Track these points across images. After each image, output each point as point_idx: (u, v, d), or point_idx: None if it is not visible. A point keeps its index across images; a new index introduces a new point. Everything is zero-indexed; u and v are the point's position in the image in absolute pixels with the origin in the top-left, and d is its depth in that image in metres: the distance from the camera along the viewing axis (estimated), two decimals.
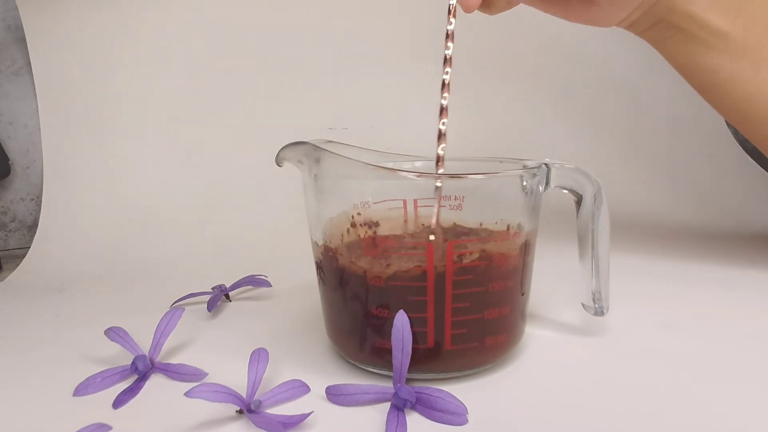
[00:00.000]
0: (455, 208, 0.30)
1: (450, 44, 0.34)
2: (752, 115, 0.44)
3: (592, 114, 0.74)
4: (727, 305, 0.39)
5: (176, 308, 0.34)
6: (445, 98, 0.33)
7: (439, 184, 0.30)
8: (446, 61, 0.34)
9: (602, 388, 0.29)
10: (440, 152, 0.32)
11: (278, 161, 0.31)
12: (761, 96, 0.43)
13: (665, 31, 0.43)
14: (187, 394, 0.25)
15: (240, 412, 0.27)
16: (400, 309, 0.27)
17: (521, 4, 0.42)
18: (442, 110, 0.32)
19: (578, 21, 0.44)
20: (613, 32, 0.46)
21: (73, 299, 0.47)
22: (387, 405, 0.27)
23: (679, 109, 0.72)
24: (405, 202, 0.32)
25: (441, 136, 0.32)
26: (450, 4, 0.35)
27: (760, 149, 0.47)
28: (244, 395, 0.27)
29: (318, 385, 0.29)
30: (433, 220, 0.29)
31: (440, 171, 0.31)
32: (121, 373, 0.31)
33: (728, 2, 0.41)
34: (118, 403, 0.29)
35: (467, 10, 0.37)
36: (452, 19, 0.35)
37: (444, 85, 0.33)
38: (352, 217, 0.30)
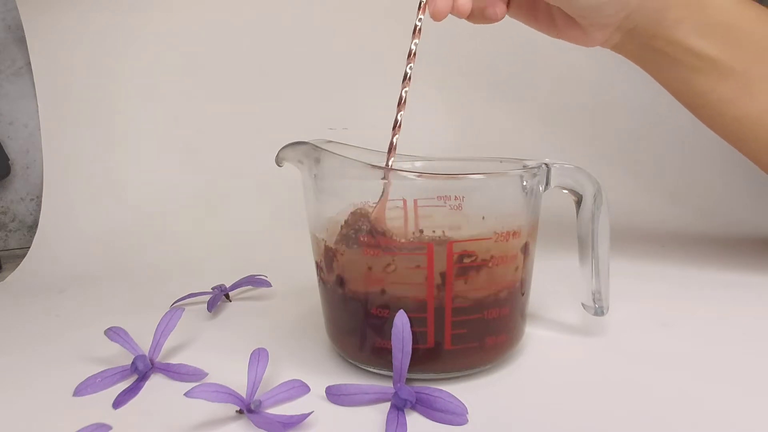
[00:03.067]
0: (455, 208, 0.30)
1: (416, 40, 0.35)
2: (744, 134, 0.44)
3: (592, 120, 0.74)
4: (727, 306, 0.39)
5: (176, 308, 0.34)
6: (405, 91, 0.33)
7: (384, 180, 0.30)
8: (410, 55, 0.34)
9: (602, 388, 0.29)
10: (394, 140, 0.32)
11: (278, 161, 0.31)
12: (752, 117, 0.42)
13: (650, 54, 0.43)
14: (187, 394, 0.25)
15: (240, 412, 0.27)
16: (400, 309, 0.27)
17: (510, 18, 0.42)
18: (401, 102, 0.33)
19: (561, 38, 0.44)
20: None
21: (73, 299, 0.47)
22: (387, 405, 0.27)
23: (678, 112, 0.72)
24: (405, 201, 0.32)
25: (397, 126, 0.33)
26: (420, 1, 0.35)
27: (757, 165, 0.47)
28: (244, 395, 0.27)
29: (318, 385, 0.29)
30: (373, 215, 0.29)
31: (391, 160, 0.32)
32: (121, 373, 0.31)
33: (712, 27, 0.40)
34: (118, 403, 0.29)
35: (436, 18, 0.37)
36: (421, 16, 0.35)
37: (405, 78, 0.34)
38: (352, 217, 0.30)
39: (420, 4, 0.35)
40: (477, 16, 0.40)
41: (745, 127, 0.43)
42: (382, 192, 0.29)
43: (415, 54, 0.34)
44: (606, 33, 0.42)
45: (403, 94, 0.33)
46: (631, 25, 0.41)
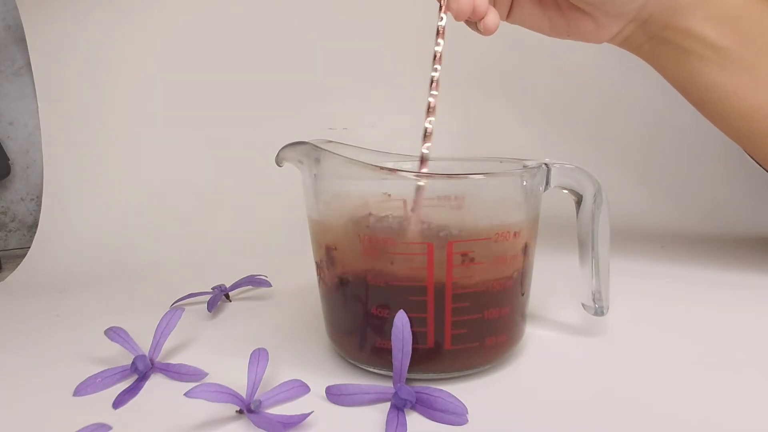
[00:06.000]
0: (455, 208, 0.30)
1: (441, 41, 0.33)
2: (750, 130, 0.44)
3: (594, 119, 0.74)
4: (728, 306, 0.39)
5: (176, 308, 0.34)
6: (433, 96, 0.32)
7: (421, 183, 0.29)
8: (436, 58, 0.33)
9: (602, 388, 0.29)
10: (425, 151, 0.32)
11: (278, 161, 0.31)
12: (759, 111, 0.42)
13: (660, 46, 0.43)
14: (187, 394, 0.25)
15: (240, 412, 0.27)
16: (400, 309, 0.27)
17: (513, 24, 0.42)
18: (430, 108, 0.32)
19: (569, 37, 0.43)
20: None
21: (73, 299, 0.47)
22: (387, 405, 0.27)
23: (678, 112, 0.72)
24: (405, 202, 0.31)
25: (427, 135, 0.32)
26: (440, 1, 0.34)
27: (761, 162, 0.47)
28: (244, 395, 0.27)
29: (318, 385, 0.29)
30: (411, 224, 0.29)
31: (423, 170, 0.31)
32: (121, 373, 0.31)
33: (723, 16, 0.41)
34: (118, 403, 0.29)
35: (457, 18, 0.36)
36: (443, 15, 0.34)
37: (432, 82, 0.33)
38: (352, 217, 0.30)
39: (441, 4, 0.34)
40: (470, 23, 0.39)
41: (752, 122, 0.43)
42: (414, 202, 0.29)
43: (441, 57, 0.33)
44: (619, 25, 0.42)
45: (431, 101, 0.32)
46: (646, 15, 0.41)
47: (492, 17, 0.38)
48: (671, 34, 0.41)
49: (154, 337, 0.32)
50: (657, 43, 0.43)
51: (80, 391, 0.30)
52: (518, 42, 0.70)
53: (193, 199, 0.64)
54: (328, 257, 0.30)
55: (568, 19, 0.42)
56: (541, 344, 0.34)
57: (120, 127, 0.66)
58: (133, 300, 0.45)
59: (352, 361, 0.31)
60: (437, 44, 0.33)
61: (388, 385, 0.28)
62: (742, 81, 0.42)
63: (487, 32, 0.38)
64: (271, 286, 0.45)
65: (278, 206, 0.58)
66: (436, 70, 0.33)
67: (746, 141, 0.46)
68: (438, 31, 0.34)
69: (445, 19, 0.34)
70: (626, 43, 0.44)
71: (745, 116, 0.43)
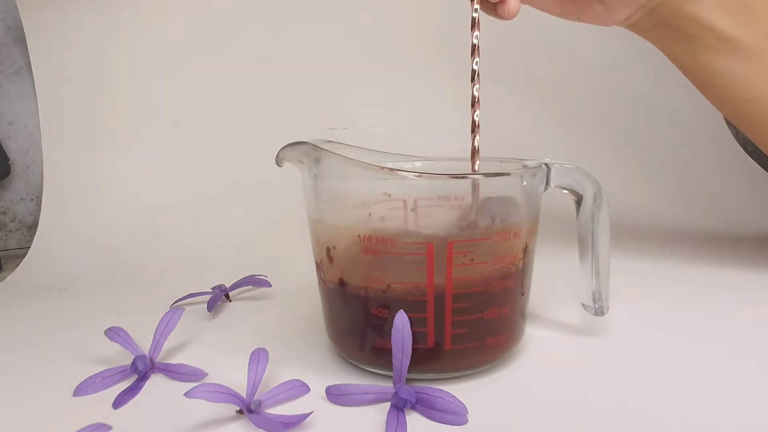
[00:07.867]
0: (455, 208, 0.30)
1: (477, 33, 0.34)
2: (756, 117, 0.44)
3: (594, 118, 0.74)
4: (728, 305, 0.39)
5: (176, 308, 0.34)
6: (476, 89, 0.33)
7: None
8: (475, 50, 0.34)
9: (602, 388, 0.29)
10: (476, 144, 0.33)
11: (278, 161, 0.31)
12: (764, 98, 0.42)
13: (668, 32, 0.43)
14: (187, 394, 0.25)
15: (240, 412, 0.27)
16: (400, 309, 0.27)
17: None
18: (475, 102, 0.33)
19: (579, 19, 0.44)
20: (615, 35, 0.46)
21: (73, 299, 0.47)
22: (387, 405, 0.27)
23: (680, 112, 0.72)
24: (405, 202, 0.31)
25: (476, 127, 0.33)
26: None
27: (764, 150, 0.47)
28: (244, 395, 0.27)
29: (318, 385, 0.29)
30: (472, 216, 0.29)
31: (477, 164, 0.32)
32: (121, 373, 0.31)
33: (733, 5, 0.41)
34: (118, 403, 0.29)
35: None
36: (476, 6, 0.35)
37: (475, 75, 0.34)
38: (352, 217, 0.30)
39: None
40: (488, 8, 0.39)
41: (757, 109, 0.43)
42: (474, 194, 0.29)
43: (478, 48, 0.34)
44: (630, 10, 0.42)
45: (475, 93, 0.33)
46: (656, 2, 0.41)
47: (514, 1, 0.38)
48: (679, 20, 0.41)
49: (154, 337, 0.32)
50: (665, 29, 0.43)
51: (80, 391, 0.30)
52: (518, 41, 0.71)
53: (193, 199, 0.64)
54: (328, 257, 0.30)
55: (579, 2, 0.42)
56: (541, 344, 0.34)
57: (120, 127, 0.65)
58: (133, 300, 0.45)
59: (352, 361, 0.31)
60: (474, 36, 0.34)
61: (388, 385, 0.28)
62: (749, 69, 0.42)
63: (510, 16, 0.38)
64: (271, 286, 0.45)
65: (278, 206, 0.58)
66: (476, 63, 0.34)
67: (752, 127, 0.46)
68: (472, 22, 0.34)
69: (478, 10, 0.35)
70: (635, 26, 0.44)
71: (752, 103, 0.43)
